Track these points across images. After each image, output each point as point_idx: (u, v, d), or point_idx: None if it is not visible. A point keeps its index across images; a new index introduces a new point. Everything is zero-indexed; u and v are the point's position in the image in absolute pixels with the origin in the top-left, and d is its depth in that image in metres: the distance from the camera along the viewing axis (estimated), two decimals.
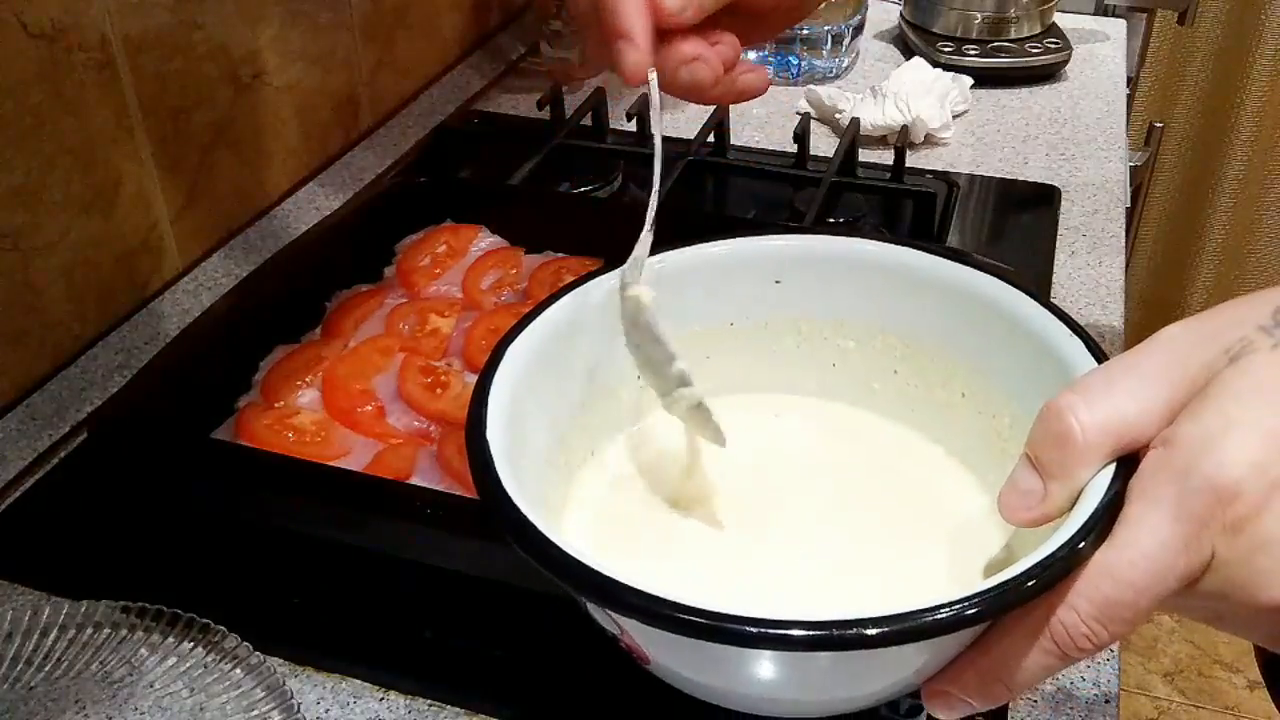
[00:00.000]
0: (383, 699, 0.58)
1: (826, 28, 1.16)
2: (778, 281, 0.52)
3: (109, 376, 0.80)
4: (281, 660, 0.59)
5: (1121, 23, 1.37)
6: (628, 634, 0.40)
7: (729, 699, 0.43)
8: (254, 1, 0.94)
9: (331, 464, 0.61)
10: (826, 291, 0.52)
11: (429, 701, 0.58)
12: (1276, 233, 2.08)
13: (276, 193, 1.01)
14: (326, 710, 0.57)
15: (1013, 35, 1.20)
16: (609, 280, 0.50)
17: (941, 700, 0.39)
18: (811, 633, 0.34)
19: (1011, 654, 0.36)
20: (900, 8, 1.26)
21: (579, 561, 0.37)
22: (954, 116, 1.10)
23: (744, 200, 1.00)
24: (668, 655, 0.41)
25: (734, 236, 0.53)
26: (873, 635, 0.34)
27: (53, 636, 0.58)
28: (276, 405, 0.67)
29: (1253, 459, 0.32)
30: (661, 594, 0.35)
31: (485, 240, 0.82)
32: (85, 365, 0.81)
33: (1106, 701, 0.57)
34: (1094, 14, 1.39)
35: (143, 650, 0.58)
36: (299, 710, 0.54)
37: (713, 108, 1.06)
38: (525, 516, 0.38)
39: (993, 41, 1.20)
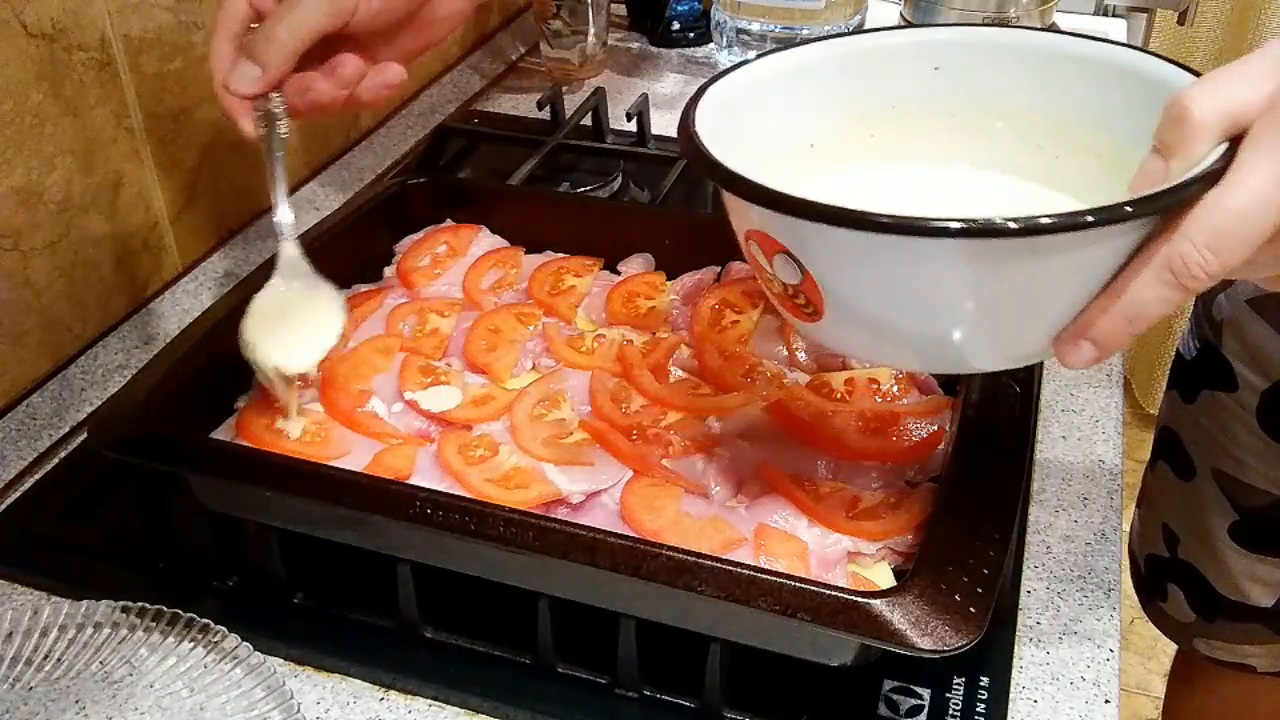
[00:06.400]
0: (383, 699, 0.58)
1: (826, 28, 1.15)
2: (937, 68, 0.56)
3: (109, 376, 0.80)
4: (281, 660, 0.59)
5: (1121, 23, 1.36)
6: (809, 275, 0.44)
7: (899, 339, 0.46)
8: None
9: (331, 464, 0.61)
10: (982, 75, 0.56)
11: (429, 701, 0.58)
12: None
13: None
14: (326, 710, 0.57)
15: None
16: None
17: (1072, 347, 0.43)
18: (967, 224, 0.39)
19: (1136, 289, 0.41)
20: (900, 7, 1.26)
21: (766, 188, 0.43)
22: None
23: None
24: (840, 281, 0.45)
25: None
26: (1017, 227, 0.38)
27: (53, 636, 0.58)
28: (276, 405, 0.67)
29: None
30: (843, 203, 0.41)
31: (485, 240, 0.82)
32: (85, 365, 0.81)
33: (1106, 701, 0.57)
34: (1094, 14, 1.39)
35: (143, 650, 0.58)
36: (299, 710, 0.54)
37: None
38: (718, 162, 0.45)
39: None
